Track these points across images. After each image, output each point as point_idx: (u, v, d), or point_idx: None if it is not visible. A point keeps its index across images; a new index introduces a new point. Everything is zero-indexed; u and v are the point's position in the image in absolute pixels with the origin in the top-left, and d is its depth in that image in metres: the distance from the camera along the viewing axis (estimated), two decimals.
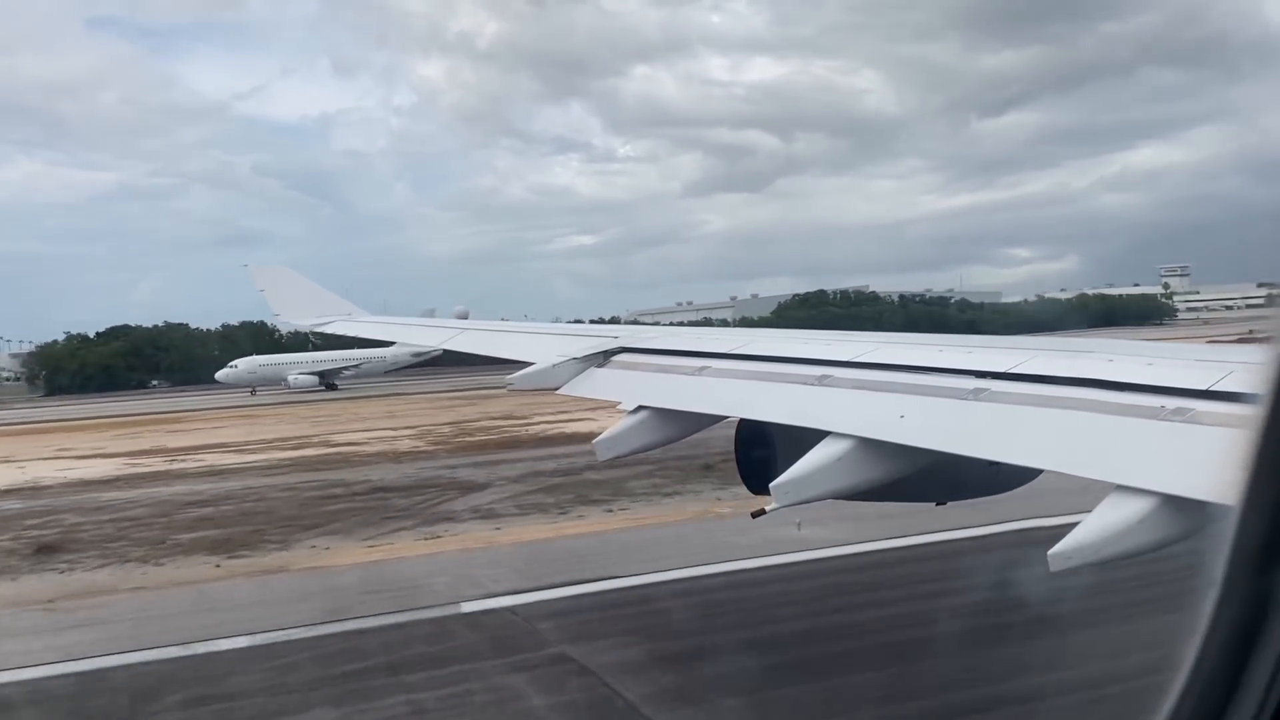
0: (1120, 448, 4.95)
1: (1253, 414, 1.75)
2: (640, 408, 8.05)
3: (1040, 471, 5.66)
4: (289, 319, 16.64)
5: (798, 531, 12.13)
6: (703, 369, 8.28)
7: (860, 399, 6.46)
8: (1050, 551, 4.53)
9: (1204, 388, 4.91)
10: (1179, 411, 4.83)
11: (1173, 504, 4.39)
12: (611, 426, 8.24)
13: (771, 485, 5.85)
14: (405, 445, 35.55)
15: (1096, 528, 4.51)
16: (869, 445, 5.82)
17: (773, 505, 5.88)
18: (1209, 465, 4.46)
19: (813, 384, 6.96)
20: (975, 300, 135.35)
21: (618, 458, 8.23)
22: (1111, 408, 5.18)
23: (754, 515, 6.52)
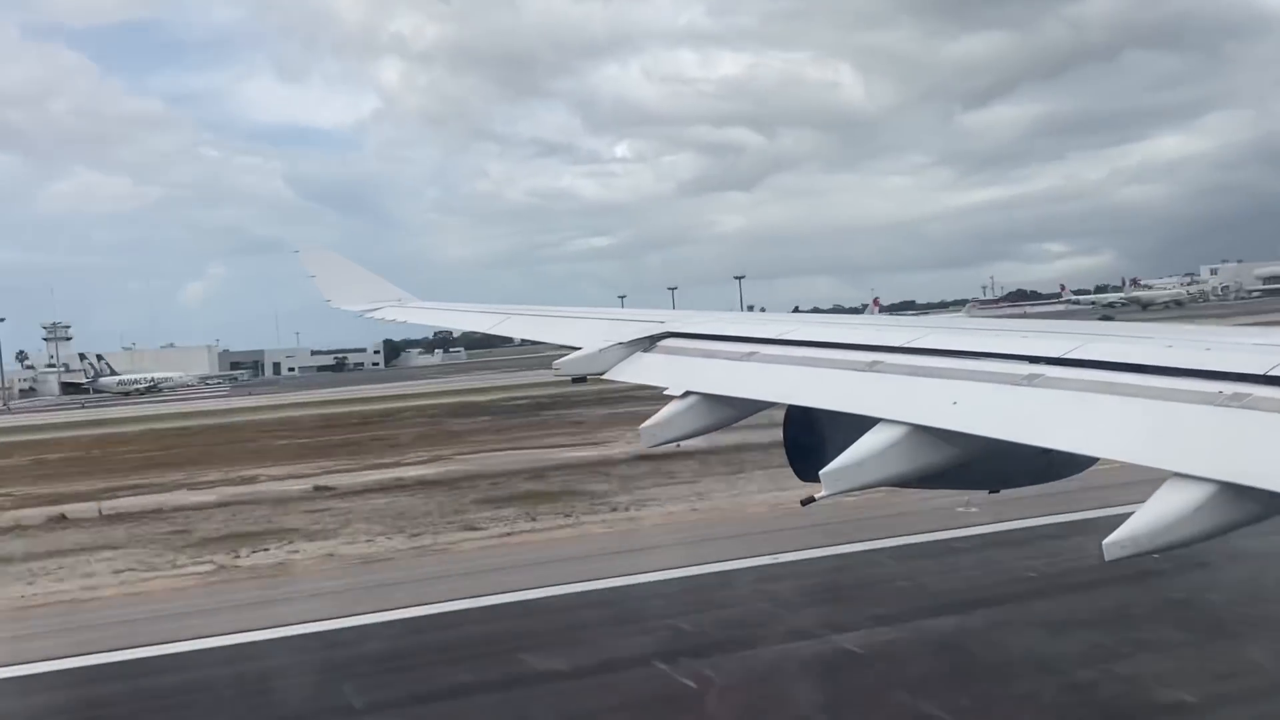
0: (1176, 434, 4.89)
1: None
2: (687, 393, 8.04)
3: (1095, 459, 5.60)
4: (340, 304, 16.70)
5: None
6: (750, 354, 8.26)
7: (912, 385, 6.41)
8: (1105, 540, 4.48)
9: (1262, 373, 4.84)
10: (1236, 397, 4.77)
11: (1230, 491, 4.33)
12: (658, 413, 8.24)
13: (822, 472, 5.82)
14: None
15: (1152, 516, 4.46)
16: (921, 432, 5.78)
17: (822, 492, 5.86)
18: (1267, 451, 4.41)
19: (863, 370, 6.91)
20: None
21: (663, 444, 8.23)
22: (1167, 393, 5.11)
23: (803, 502, 6.51)
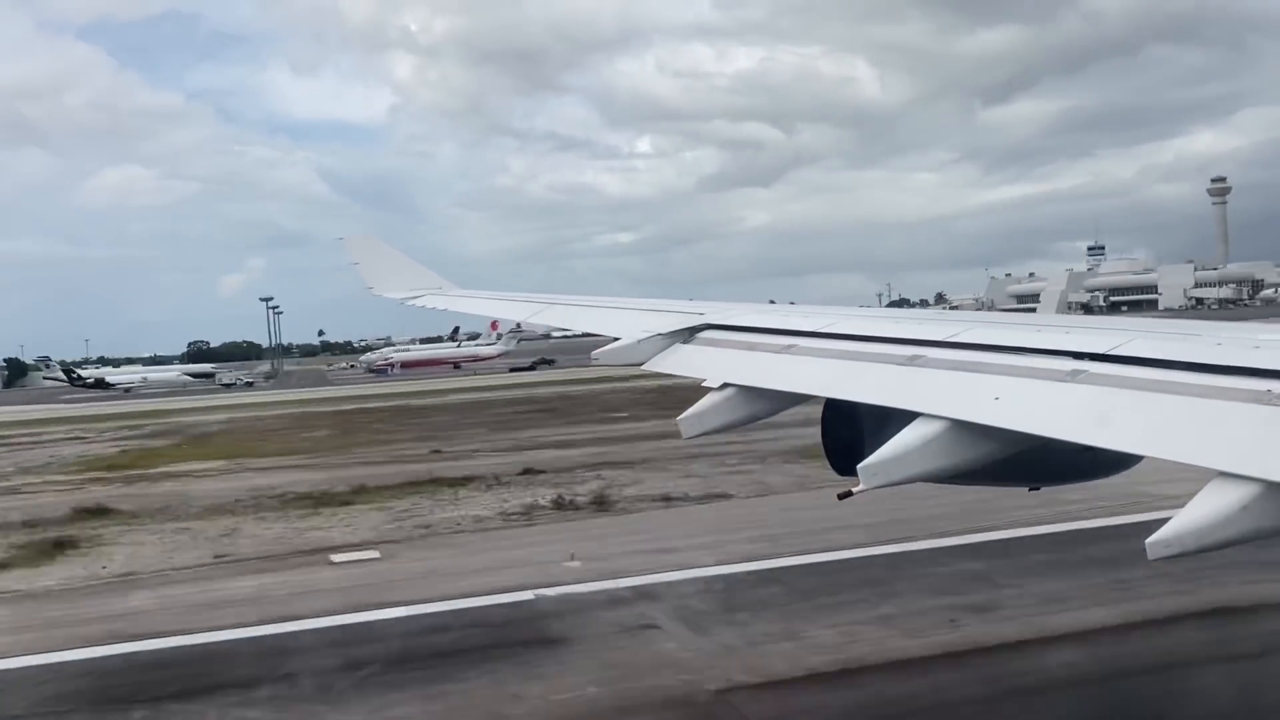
0: (1222, 433, 4.80)
1: None
2: (725, 385, 8.03)
3: (1140, 457, 5.52)
4: (382, 291, 16.83)
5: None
6: (789, 347, 8.23)
7: (953, 379, 6.35)
8: (1149, 540, 4.43)
9: None
10: None
11: (1276, 491, 4.25)
12: (696, 404, 8.24)
13: (860, 466, 5.79)
14: None
15: (1197, 515, 4.39)
16: (961, 427, 5.72)
17: (860, 487, 5.83)
18: None
19: (903, 364, 6.85)
20: None
21: (701, 434, 8.22)
22: (1214, 391, 5.03)
23: (840, 497, 6.48)
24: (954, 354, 6.70)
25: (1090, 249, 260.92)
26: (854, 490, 6.01)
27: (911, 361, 6.83)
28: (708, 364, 8.72)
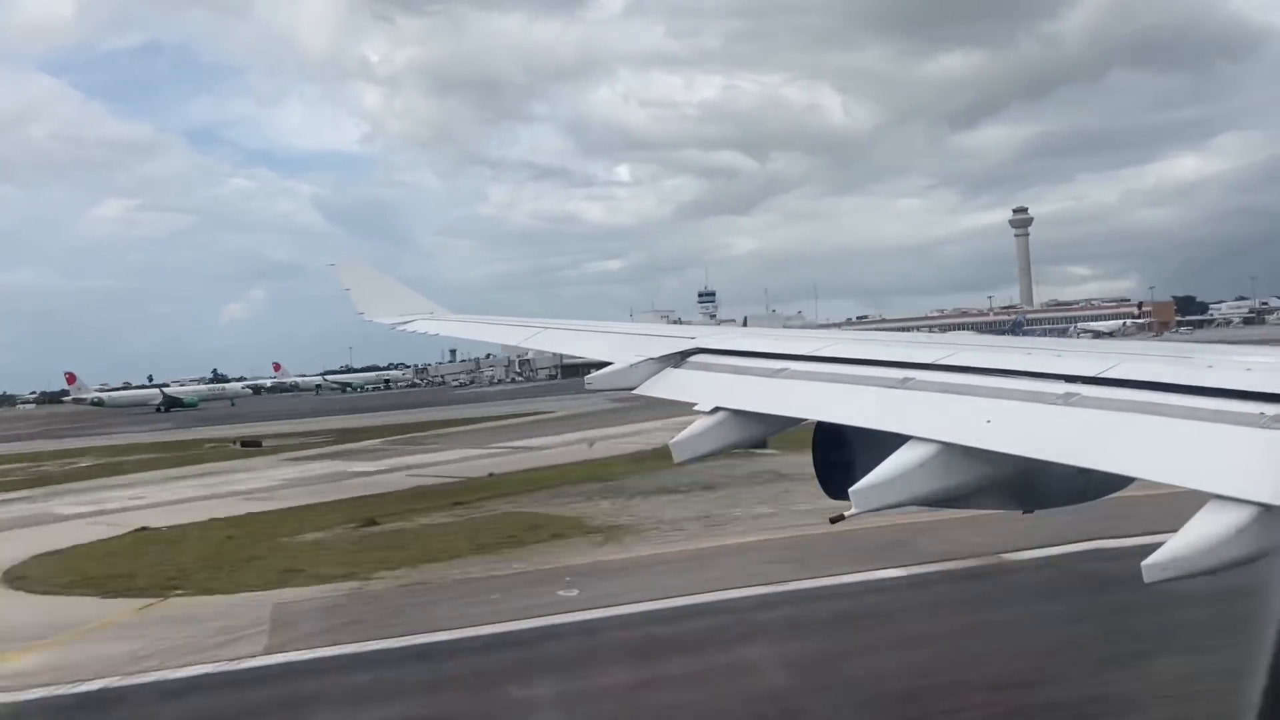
0: (1216, 455, 4.78)
1: None
2: (717, 409, 7.99)
3: (1132, 480, 5.49)
4: (372, 317, 16.80)
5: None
6: (781, 370, 8.20)
7: (944, 402, 6.32)
8: (1145, 562, 4.39)
9: None
10: (1278, 419, 4.66)
11: (1272, 514, 4.22)
12: (688, 428, 8.20)
13: (851, 490, 5.75)
14: None
15: (1192, 538, 4.36)
16: (953, 450, 5.69)
17: (852, 510, 5.78)
18: None
19: (894, 387, 6.83)
20: None
21: (694, 459, 8.17)
22: (1208, 414, 5.01)
23: (832, 520, 6.43)
24: (945, 376, 6.68)
25: (701, 296, 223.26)
26: (845, 514, 5.96)
27: (903, 384, 6.81)
28: (699, 388, 8.68)
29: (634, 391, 9.51)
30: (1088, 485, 6.80)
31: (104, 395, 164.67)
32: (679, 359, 9.42)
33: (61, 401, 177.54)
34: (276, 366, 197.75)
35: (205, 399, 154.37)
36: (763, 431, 8.04)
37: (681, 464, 8.16)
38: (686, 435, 8.00)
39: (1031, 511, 8.15)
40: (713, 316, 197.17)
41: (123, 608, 21.69)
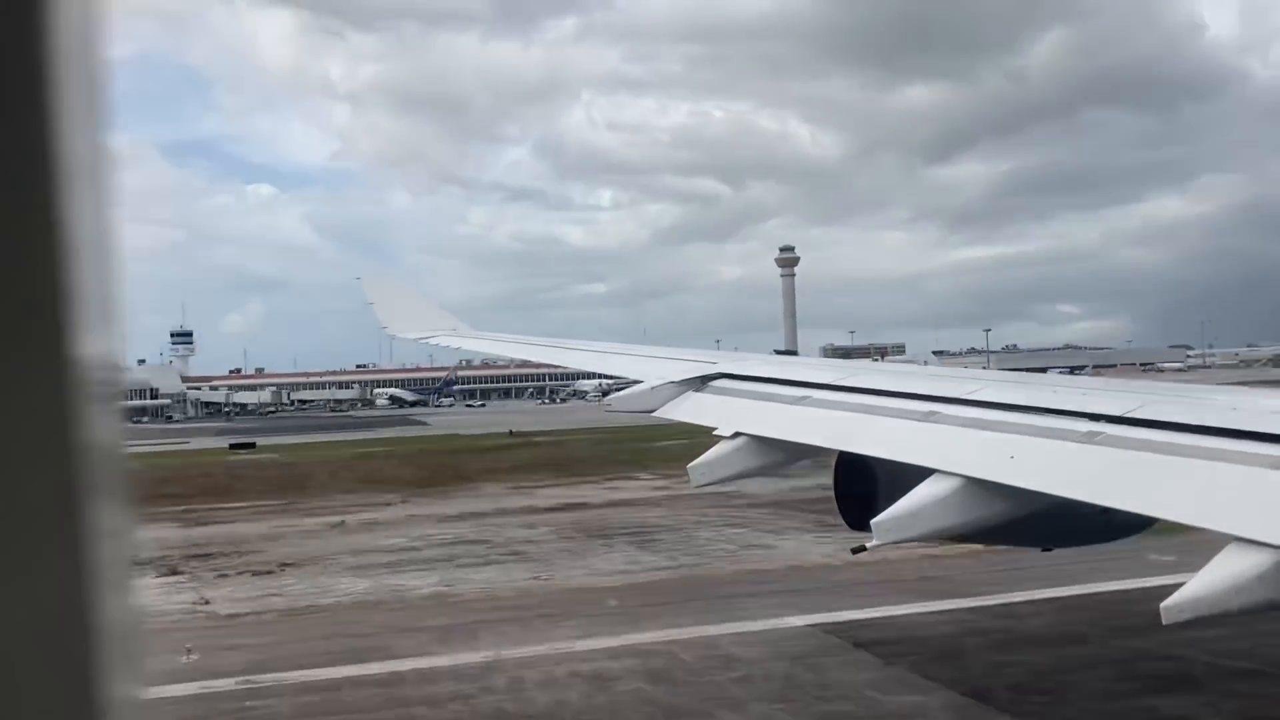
0: (1239, 498, 4.77)
1: None
2: (738, 434, 8.01)
3: (1155, 520, 5.48)
4: (396, 331, 16.89)
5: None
6: (803, 398, 8.22)
7: (969, 437, 6.33)
8: (1164, 604, 4.38)
9: None
10: None
11: None
12: (708, 452, 8.20)
13: (873, 522, 5.76)
14: None
15: (1212, 580, 4.35)
16: (977, 485, 5.70)
17: (874, 542, 5.79)
18: None
19: (919, 419, 6.84)
20: None
21: (711, 483, 8.17)
22: (1231, 456, 5.00)
23: (854, 551, 6.44)
24: (971, 411, 6.68)
25: (174, 336, 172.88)
26: (867, 545, 5.97)
27: (928, 418, 6.82)
28: (720, 412, 8.70)
29: (654, 414, 9.53)
30: (1109, 525, 6.78)
31: None
32: (700, 383, 9.45)
33: None
34: None
35: None
36: (783, 459, 8.05)
37: (699, 488, 8.17)
38: (706, 459, 8.00)
39: (1050, 550, 8.14)
40: (184, 359, 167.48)
41: None
